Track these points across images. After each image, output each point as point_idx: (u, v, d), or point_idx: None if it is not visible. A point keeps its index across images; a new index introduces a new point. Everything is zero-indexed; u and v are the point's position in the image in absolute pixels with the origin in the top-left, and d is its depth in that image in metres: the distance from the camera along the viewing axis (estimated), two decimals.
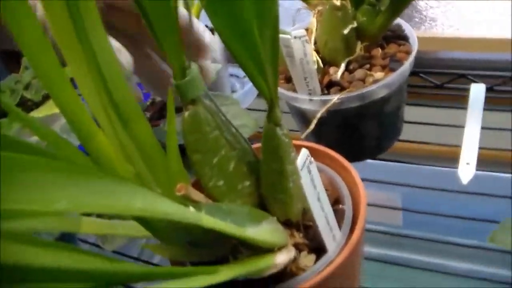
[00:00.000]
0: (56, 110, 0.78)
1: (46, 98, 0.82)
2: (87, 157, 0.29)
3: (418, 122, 0.76)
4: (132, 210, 0.22)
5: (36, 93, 0.81)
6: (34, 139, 0.71)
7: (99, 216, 0.42)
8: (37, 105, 0.81)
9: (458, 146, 0.65)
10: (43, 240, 0.23)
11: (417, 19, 1.07)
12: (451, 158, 0.74)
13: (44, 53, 0.25)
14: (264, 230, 0.31)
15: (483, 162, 0.63)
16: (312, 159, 0.32)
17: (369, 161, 0.69)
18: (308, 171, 0.31)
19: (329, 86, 0.59)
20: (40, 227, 0.33)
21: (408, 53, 0.61)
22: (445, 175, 0.83)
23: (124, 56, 0.37)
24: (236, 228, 0.28)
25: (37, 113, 0.78)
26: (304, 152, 0.31)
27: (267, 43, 0.32)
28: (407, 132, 0.72)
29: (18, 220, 0.29)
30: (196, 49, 0.43)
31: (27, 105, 0.82)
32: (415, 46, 0.62)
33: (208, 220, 0.26)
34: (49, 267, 0.22)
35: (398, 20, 0.66)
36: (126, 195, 0.22)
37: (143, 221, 0.31)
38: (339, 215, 0.37)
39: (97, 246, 0.63)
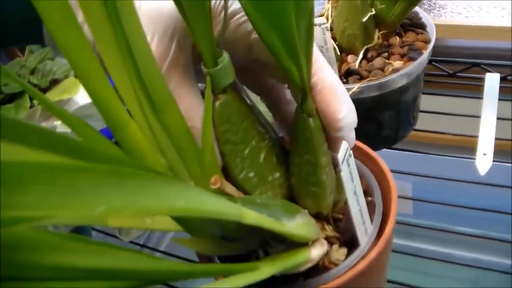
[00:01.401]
0: (65, 96, 0.77)
1: (53, 83, 0.80)
2: (111, 141, 0.28)
3: (432, 112, 0.75)
4: (176, 211, 0.21)
5: (42, 78, 0.79)
6: (43, 124, 0.70)
7: None
8: (43, 91, 0.80)
9: (472, 136, 0.65)
10: (81, 237, 0.22)
11: (426, 6, 1.06)
12: (463, 148, 0.73)
13: (73, 34, 0.24)
14: (299, 224, 0.30)
15: (496, 152, 0.62)
16: (351, 152, 0.31)
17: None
18: (348, 164, 0.30)
19: (347, 75, 0.58)
20: (65, 220, 0.32)
21: (426, 41, 0.60)
22: (456, 165, 0.82)
23: None
24: (275, 223, 0.27)
25: None
26: (344, 145, 0.30)
27: (302, 32, 0.30)
28: (420, 121, 0.71)
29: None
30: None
31: None
32: (433, 35, 0.61)
33: (249, 216, 0.25)
34: (90, 267, 0.21)
35: (415, 8, 0.65)
36: (168, 195, 0.20)
37: (178, 217, 0.30)
38: (369, 208, 0.36)
39: (113, 236, 0.62)
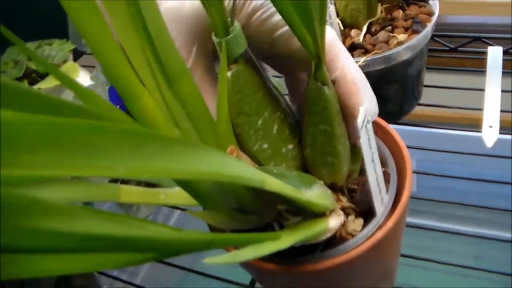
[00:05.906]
0: None
1: None
2: (125, 113, 0.27)
3: (437, 86, 0.74)
4: (198, 174, 0.21)
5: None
6: None
7: (124, 182, 0.40)
8: (42, 77, 0.79)
9: (477, 109, 0.64)
10: (98, 210, 0.21)
11: None
12: (467, 125, 0.73)
13: (86, 5, 0.23)
14: (316, 194, 0.30)
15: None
16: (369, 119, 0.31)
17: None
18: (366, 130, 0.30)
19: (351, 49, 0.57)
20: (77, 197, 0.32)
21: (429, 14, 0.60)
22: (461, 140, 0.82)
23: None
24: (295, 191, 0.27)
25: (44, 84, 0.75)
26: (362, 110, 0.30)
27: None
28: (424, 98, 0.70)
29: (51, 188, 0.27)
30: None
31: (32, 77, 0.79)
32: (436, 7, 0.60)
33: (271, 183, 0.24)
34: (109, 236, 0.20)
35: None
36: (190, 158, 0.20)
37: (190, 187, 0.29)
38: (384, 178, 0.35)
39: None
